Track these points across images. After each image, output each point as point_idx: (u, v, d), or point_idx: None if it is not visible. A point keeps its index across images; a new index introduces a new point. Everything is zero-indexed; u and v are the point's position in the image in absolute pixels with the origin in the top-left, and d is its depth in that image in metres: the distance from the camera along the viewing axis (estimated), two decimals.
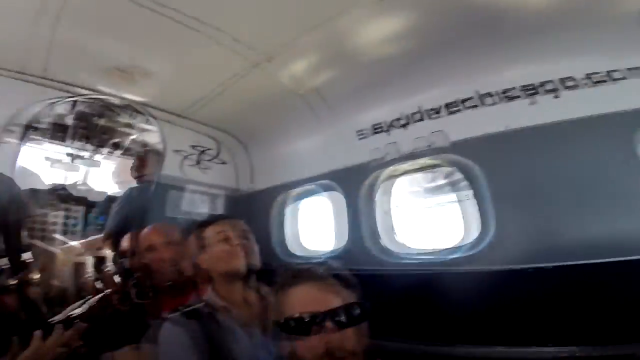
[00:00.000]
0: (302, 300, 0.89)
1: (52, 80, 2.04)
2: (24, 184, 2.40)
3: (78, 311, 1.89)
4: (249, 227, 1.44)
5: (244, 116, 2.49)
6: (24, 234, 2.13)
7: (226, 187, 2.69)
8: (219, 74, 2.06)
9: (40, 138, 3.03)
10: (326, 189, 2.40)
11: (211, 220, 1.45)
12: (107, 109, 2.73)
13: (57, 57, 1.83)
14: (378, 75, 1.94)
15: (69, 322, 1.72)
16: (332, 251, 2.29)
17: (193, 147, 2.57)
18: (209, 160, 2.62)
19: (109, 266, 2.83)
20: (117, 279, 2.80)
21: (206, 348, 1.13)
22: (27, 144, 2.12)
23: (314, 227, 2.72)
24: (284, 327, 0.89)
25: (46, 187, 3.04)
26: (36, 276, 2.99)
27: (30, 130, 2.84)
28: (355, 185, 2.12)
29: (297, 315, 0.87)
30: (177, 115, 2.49)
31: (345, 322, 0.85)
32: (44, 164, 3.34)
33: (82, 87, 2.13)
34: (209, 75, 2.09)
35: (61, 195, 3.49)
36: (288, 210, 2.60)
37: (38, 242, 3.09)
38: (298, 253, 2.50)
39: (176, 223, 2.07)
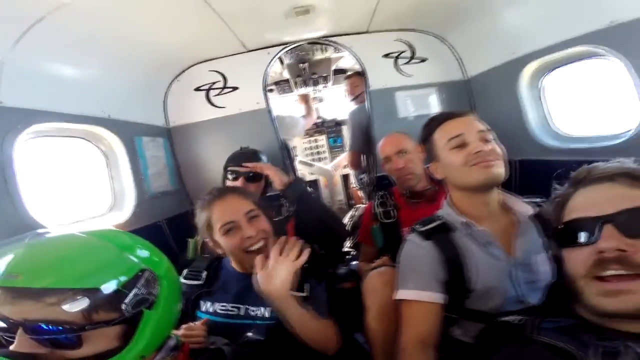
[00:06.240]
0: (587, 201, 0.72)
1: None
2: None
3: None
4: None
5: (425, 9, 2.08)
6: None
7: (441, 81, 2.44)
8: None
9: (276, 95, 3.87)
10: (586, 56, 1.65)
11: (438, 120, 1.20)
12: (304, 53, 3.02)
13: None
14: None
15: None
16: (613, 136, 1.63)
17: (385, 55, 2.47)
18: (405, 63, 2.46)
19: (353, 182, 3.48)
20: (360, 193, 3.42)
21: (445, 268, 1.07)
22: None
23: (568, 105, 2.04)
24: (561, 232, 0.76)
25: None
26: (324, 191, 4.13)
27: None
28: None
29: (577, 217, 0.72)
30: (359, 33, 2.40)
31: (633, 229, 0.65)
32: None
33: (272, 46, 2.38)
34: None
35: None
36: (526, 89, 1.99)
37: (317, 163, 4.15)
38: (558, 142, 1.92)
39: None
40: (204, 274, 1.26)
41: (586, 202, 0.72)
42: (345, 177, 4.01)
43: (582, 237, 0.70)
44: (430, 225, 1.14)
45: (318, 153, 4.30)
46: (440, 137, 1.16)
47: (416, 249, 1.12)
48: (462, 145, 1.10)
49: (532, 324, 0.72)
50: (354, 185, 3.35)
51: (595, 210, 0.69)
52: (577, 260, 0.70)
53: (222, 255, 1.28)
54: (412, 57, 2.41)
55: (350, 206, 3.75)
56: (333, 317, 1.38)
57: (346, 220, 2.35)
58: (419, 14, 2.17)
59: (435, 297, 1.06)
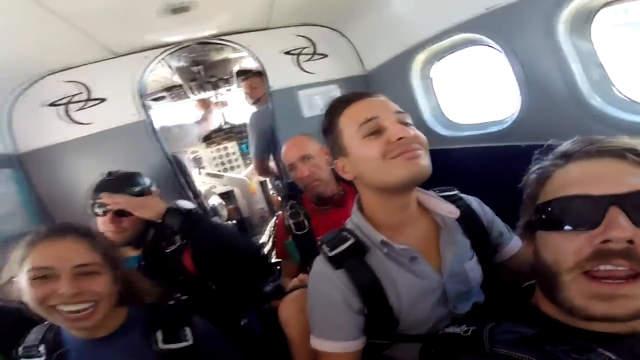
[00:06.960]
0: (588, 176, 0.57)
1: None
2: None
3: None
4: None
5: (323, 2, 1.99)
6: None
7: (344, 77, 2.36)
8: None
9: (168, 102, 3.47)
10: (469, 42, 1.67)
11: (343, 102, 0.92)
12: (196, 55, 2.72)
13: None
14: None
15: None
16: (499, 122, 1.65)
17: (287, 52, 2.33)
18: (307, 60, 2.36)
19: (270, 188, 3.30)
20: (279, 198, 3.27)
21: (362, 302, 0.89)
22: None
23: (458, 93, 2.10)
24: (546, 212, 0.59)
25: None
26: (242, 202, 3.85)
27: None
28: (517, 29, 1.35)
29: (573, 194, 0.56)
30: (258, 30, 2.22)
31: None
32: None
33: (150, 49, 2.06)
34: None
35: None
36: (417, 80, 2.00)
37: (227, 174, 3.85)
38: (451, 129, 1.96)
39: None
40: (42, 347, 0.94)
41: (586, 177, 0.57)
42: (263, 184, 3.80)
43: (579, 219, 0.54)
44: (340, 249, 0.90)
45: (229, 162, 3.98)
46: (348, 123, 0.88)
47: (326, 284, 0.91)
48: (378, 132, 0.83)
49: (487, 335, 0.59)
50: (273, 192, 3.17)
51: (599, 187, 0.54)
52: (567, 249, 0.55)
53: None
54: (313, 54, 2.31)
55: (273, 213, 3.57)
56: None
57: (269, 229, 2.20)
58: (317, 8, 2.07)
59: (350, 345, 0.89)
